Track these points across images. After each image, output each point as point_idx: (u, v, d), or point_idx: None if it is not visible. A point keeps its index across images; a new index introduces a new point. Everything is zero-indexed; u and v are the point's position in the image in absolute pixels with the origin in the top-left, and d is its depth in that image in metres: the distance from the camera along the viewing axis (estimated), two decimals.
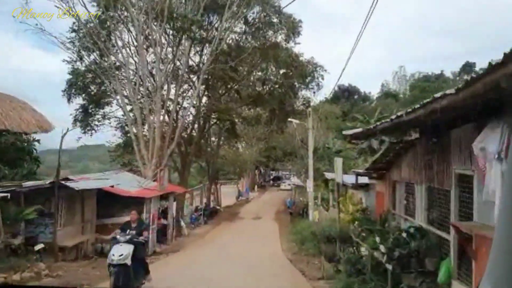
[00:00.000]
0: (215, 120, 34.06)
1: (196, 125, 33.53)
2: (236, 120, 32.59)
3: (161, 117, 24.42)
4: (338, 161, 14.89)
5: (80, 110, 29.98)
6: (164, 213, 23.28)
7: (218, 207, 41.03)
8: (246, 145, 54.83)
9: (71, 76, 28.03)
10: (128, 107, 26.11)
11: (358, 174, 15.49)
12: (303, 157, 45.77)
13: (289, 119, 32.74)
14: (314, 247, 19.79)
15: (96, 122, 30.02)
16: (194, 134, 33.38)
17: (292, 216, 38.23)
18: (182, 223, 28.46)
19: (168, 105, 26.60)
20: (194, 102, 30.06)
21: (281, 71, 32.35)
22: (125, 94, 25.42)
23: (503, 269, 0.92)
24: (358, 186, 15.81)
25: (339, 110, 62.27)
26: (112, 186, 17.07)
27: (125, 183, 20.37)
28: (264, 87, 33.48)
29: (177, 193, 25.46)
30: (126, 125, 28.29)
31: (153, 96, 23.97)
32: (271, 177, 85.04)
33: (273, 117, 36.14)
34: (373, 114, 44.93)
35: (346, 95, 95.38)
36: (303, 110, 33.92)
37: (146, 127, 25.81)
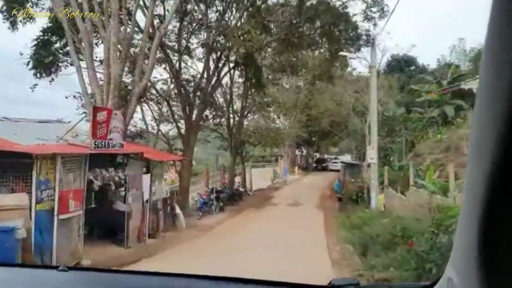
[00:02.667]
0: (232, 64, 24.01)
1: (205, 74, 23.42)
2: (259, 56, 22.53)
3: (121, 30, 14.41)
4: None
5: (37, 44, 20.46)
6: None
7: (242, 190, 30.97)
8: (283, 115, 44.30)
9: None
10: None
11: None
12: (356, 128, 35.22)
13: (341, 53, 22.08)
14: (402, 262, 9.41)
15: (53, 59, 20.28)
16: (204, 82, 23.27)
17: (341, 203, 28.40)
18: (178, 210, 18.80)
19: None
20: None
21: None
22: None
23: (467, 253, 0.88)
24: None
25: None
26: None
27: (33, 134, 10.62)
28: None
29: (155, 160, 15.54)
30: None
31: None
32: (314, 159, 73.86)
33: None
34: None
35: (401, 66, 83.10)
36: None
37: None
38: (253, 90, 28.07)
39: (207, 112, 30.11)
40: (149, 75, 15.63)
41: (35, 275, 2.33)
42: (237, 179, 33.24)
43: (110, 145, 11.59)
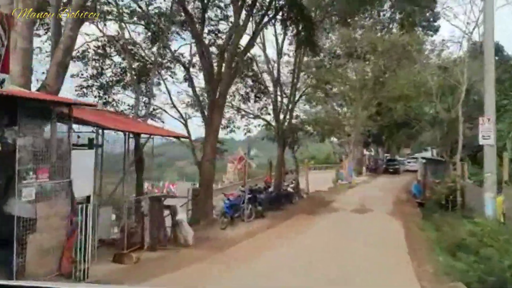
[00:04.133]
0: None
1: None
2: None
3: None
4: None
5: None
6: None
7: (292, 190, 24.08)
8: (346, 102, 37.14)
9: None
10: None
11: None
12: (440, 114, 27.69)
13: None
14: None
15: None
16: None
17: (424, 209, 21.78)
18: (180, 216, 12.58)
19: None
20: None
21: None
22: None
23: None
24: None
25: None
26: None
27: None
28: None
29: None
30: None
31: None
32: (385, 160, 65.08)
33: None
34: None
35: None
36: None
37: None
38: (304, 57, 21.49)
39: (249, 92, 23.91)
40: None
41: None
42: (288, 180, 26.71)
43: None
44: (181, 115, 19.44)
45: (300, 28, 17.57)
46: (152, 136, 12.64)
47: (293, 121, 25.52)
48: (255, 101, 23.86)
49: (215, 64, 16.82)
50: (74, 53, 17.21)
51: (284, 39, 23.31)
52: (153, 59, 19.37)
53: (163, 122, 19.61)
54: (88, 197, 7.76)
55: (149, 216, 11.04)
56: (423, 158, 34.24)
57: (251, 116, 25.25)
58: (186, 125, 19.15)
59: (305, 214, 20.04)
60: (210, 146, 16.40)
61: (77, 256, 7.50)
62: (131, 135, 11.99)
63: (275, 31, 22.11)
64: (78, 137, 9.21)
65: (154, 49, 19.53)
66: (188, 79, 18.47)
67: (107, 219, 11.26)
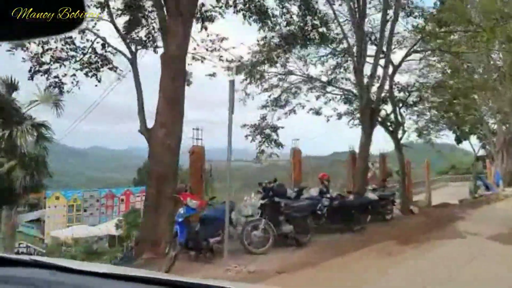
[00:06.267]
0: None
1: None
2: None
3: None
4: None
5: None
6: None
7: (378, 198, 14.01)
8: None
9: None
10: None
11: None
12: None
13: None
14: None
15: None
16: None
17: None
18: None
19: None
20: None
21: None
22: None
23: None
24: None
25: None
26: None
27: None
28: None
29: None
30: None
31: None
32: None
33: None
34: None
35: None
36: None
37: None
38: None
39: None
40: None
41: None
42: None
43: None
44: (126, 43, 10.82)
45: None
46: None
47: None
48: (303, 46, 14.56)
49: None
50: None
51: None
52: None
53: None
54: None
55: None
56: None
57: (320, 83, 16.14)
58: (133, 63, 10.41)
59: (393, 243, 10.60)
60: (165, 98, 7.96)
61: None
62: None
63: None
64: None
65: None
66: None
67: None
